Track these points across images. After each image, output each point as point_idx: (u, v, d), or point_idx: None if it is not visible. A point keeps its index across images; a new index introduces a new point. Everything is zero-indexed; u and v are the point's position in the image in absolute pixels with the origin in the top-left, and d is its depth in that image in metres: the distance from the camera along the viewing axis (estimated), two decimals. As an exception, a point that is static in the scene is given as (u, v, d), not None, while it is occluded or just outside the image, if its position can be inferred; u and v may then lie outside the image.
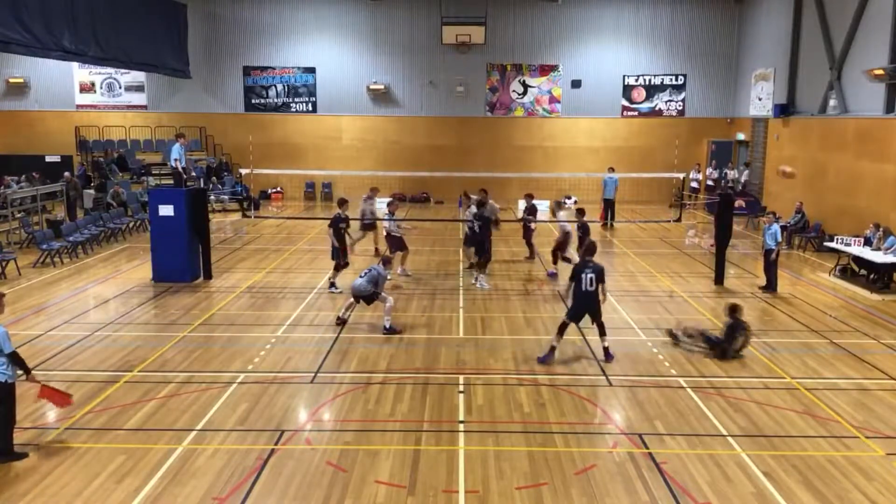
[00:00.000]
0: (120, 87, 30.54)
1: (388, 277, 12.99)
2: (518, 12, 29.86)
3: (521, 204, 17.30)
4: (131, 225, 22.14)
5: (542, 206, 23.08)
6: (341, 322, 12.62)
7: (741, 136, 29.09)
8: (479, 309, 13.99)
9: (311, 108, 30.72)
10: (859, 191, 19.64)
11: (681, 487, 7.28)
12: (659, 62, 30.14)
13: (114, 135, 30.25)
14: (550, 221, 16.50)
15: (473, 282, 15.78)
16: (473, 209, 16.77)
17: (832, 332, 12.65)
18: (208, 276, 16.13)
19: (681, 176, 24.35)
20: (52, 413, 8.99)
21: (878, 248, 15.84)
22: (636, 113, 30.49)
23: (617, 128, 30.61)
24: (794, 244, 20.64)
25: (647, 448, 8.12)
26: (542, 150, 30.50)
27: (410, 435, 8.41)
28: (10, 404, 7.74)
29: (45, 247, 17.52)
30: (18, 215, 20.53)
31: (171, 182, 19.35)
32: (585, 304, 10.77)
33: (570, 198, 29.68)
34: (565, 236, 16.61)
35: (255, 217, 23.43)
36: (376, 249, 17.96)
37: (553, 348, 10.89)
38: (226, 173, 29.14)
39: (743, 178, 27.64)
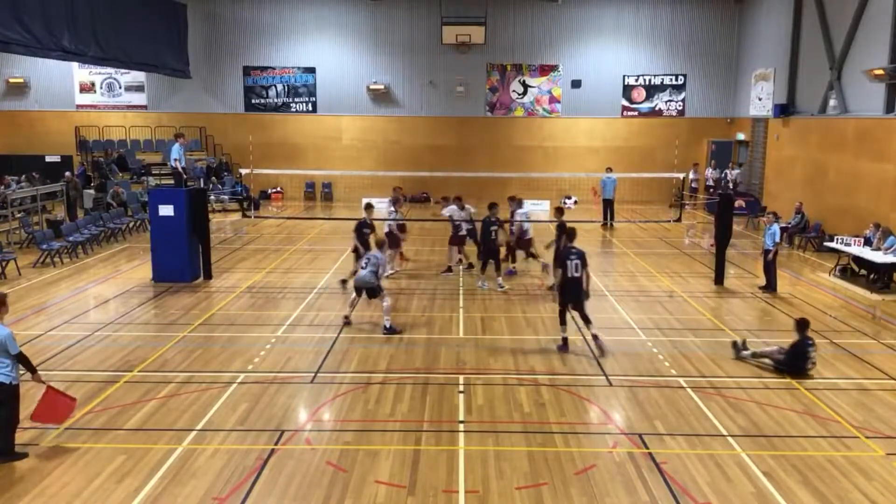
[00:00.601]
0: (120, 87, 30.55)
1: (389, 273, 13.12)
2: (518, 12, 29.86)
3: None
4: (131, 225, 22.14)
5: (538, 208, 23.07)
6: (347, 322, 12.62)
7: (741, 136, 29.09)
8: (479, 309, 13.99)
9: (311, 108, 30.72)
10: (859, 191, 19.64)
11: (681, 487, 7.28)
12: (659, 62, 30.14)
13: (114, 135, 30.25)
14: (508, 222, 16.48)
15: (480, 284, 15.52)
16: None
17: (832, 332, 12.65)
18: (208, 276, 16.13)
19: (681, 176, 24.37)
20: (52, 413, 9.00)
21: (878, 248, 15.84)
22: (636, 113, 30.49)
23: (617, 128, 30.61)
24: (795, 244, 20.64)
25: (647, 448, 8.12)
26: (542, 150, 30.50)
27: (410, 435, 8.41)
28: (12, 405, 7.74)
29: (45, 247, 17.53)
30: (18, 215, 20.53)
31: (171, 182, 19.36)
32: (572, 289, 11.08)
33: (569, 198, 29.76)
34: (522, 234, 16.47)
35: (255, 217, 23.43)
36: (401, 254, 17.85)
37: (565, 339, 11.30)
38: (226, 173, 29.14)
39: (736, 178, 27.63)
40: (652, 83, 30.27)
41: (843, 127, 20.87)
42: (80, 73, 30.15)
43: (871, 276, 15.76)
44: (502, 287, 15.29)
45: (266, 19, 30.22)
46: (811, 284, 16.28)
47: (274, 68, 30.51)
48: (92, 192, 24.59)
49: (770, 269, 15.36)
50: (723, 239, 15.88)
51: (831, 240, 17.81)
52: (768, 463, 7.80)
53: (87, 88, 30.51)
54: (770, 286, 15.38)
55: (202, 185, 21.45)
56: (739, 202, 24.23)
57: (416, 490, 7.20)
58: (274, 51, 30.41)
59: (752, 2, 28.52)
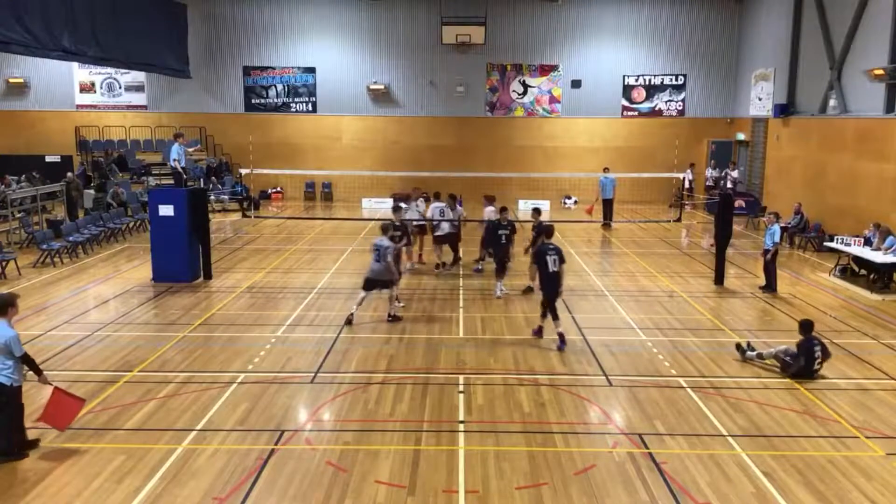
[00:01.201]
0: (120, 87, 30.55)
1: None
2: (518, 12, 29.86)
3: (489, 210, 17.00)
4: (131, 225, 22.14)
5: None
6: (349, 321, 12.62)
7: (741, 136, 29.09)
8: (479, 309, 13.99)
9: (311, 108, 30.73)
10: (859, 191, 19.64)
11: (681, 487, 7.28)
12: (659, 62, 30.14)
13: (114, 135, 30.25)
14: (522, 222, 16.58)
15: (498, 294, 14.94)
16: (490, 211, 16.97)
17: (832, 332, 12.65)
18: (208, 276, 16.13)
19: (681, 176, 24.37)
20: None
21: (878, 248, 15.84)
22: (636, 113, 30.49)
23: (617, 128, 30.61)
24: (795, 244, 20.64)
25: (647, 448, 8.12)
26: (542, 150, 30.50)
27: (410, 435, 8.41)
28: (14, 407, 7.73)
29: (45, 247, 17.53)
30: (18, 215, 20.53)
31: (171, 182, 19.36)
32: (553, 283, 11.28)
33: (569, 197, 29.77)
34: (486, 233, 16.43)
35: (255, 217, 23.43)
36: (420, 256, 18.12)
37: (541, 327, 11.74)
38: (226, 173, 29.14)
39: (735, 175, 27.61)
40: (652, 83, 30.27)
41: (843, 127, 20.87)
42: (80, 73, 30.14)
43: (871, 276, 15.77)
44: (502, 292, 14.90)
45: (266, 19, 30.22)
46: (811, 284, 16.28)
47: (274, 68, 30.52)
48: (92, 192, 24.59)
49: (770, 270, 15.35)
50: (723, 239, 15.88)
51: (831, 240, 17.81)
52: (768, 463, 7.80)
53: (87, 88, 30.50)
54: (770, 286, 15.36)
55: (202, 185, 21.47)
56: (739, 202, 24.25)
57: (416, 490, 7.20)
58: (274, 51, 30.41)
59: (752, 2, 28.52)
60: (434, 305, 14.23)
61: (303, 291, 15.13)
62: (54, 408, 8.05)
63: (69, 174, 23.25)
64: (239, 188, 28.11)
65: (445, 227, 16.72)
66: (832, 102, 21.72)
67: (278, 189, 30.81)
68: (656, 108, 30.42)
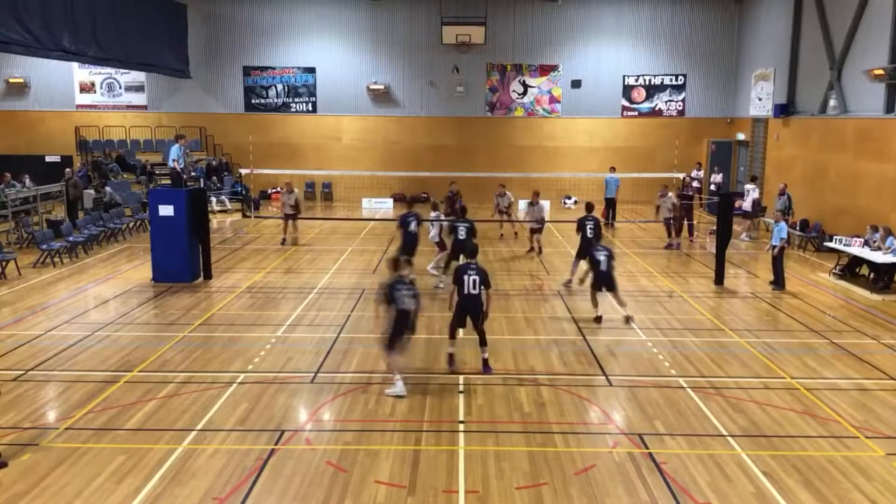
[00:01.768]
0: (120, 87, 30.55)
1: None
2: (518, 12, 29.86)
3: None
4: (131, 225, 22.14)
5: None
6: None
7: (741, 136, 29.09)
8: (479, 309, 13.96)
9: (311, 108, 30.73)
10: (859, 191, 19.64)
11: (681, 487, 7.28)
12: (659, 62, 30.14)
13: (114, 135, 30.25)
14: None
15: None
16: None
17: (832, 332, 12.65)
18: (208, 276, 16.13)
19: (681, 176, 24.34)
20: (52, 413, 9.00)
21: (878, 248, 15.84)
22: (636, 113, 30.49)
23: (617, 128, 30.61)
24: (794, 244, 20.62)
25: (647, 448, 8.12)
26: (542, 150, 30.51)
27: (410, 435, 8.41)
28: None
29: (45, 247, 17.53)
30: (16, 216, 20.48)
31: (169, 183, 19.36)
32: (467, 307, 10.35)
33: (569, 197, 29.77)
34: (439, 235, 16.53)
35: (254, 217, 23.43)
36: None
37: (451, 355, 10.54)
38: (225, 173, 29.15)
39: (718, 180, 27.54)
40: (652, 83, 30.27)
41: (843, 127, 20.87)
42: (80, 73, 30.15)
43: (871, 275, 15.77)
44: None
45: (266, 19, 30.22)
46: (811, 284, 16.29)
47: (274, 68, 30.52)
48: (92, 192, 24.59)
49: (776, 266, 15.42)
50: (723, 239, 15.89)
51: (831, 240, 17.81)
52: (768, 463, 7.80)
53: (87, 88, 30.51)
54: (778, 282, 15.46)
55: (201, 185, 21.48)
56: (739, 202, 24.18)
57: (416, 490, 7.20)
58: (274, 51, 30.41)
59: (752, 2, 28.52)
60: (434, 305, 14.22)
61: (303, 291, 15.13)
62: None
63: (68, 170, 23.23)
64: (239, 188, 28.11)
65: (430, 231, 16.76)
66: (832, 102, 21.71)
67: (278, 189, 30.77)
68: (656, 108, 30.42)
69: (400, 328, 9.57)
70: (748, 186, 23.44)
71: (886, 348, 11.80)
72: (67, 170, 23.30)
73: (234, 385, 9.86)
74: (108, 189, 23.99)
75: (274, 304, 14.18)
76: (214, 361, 10.83)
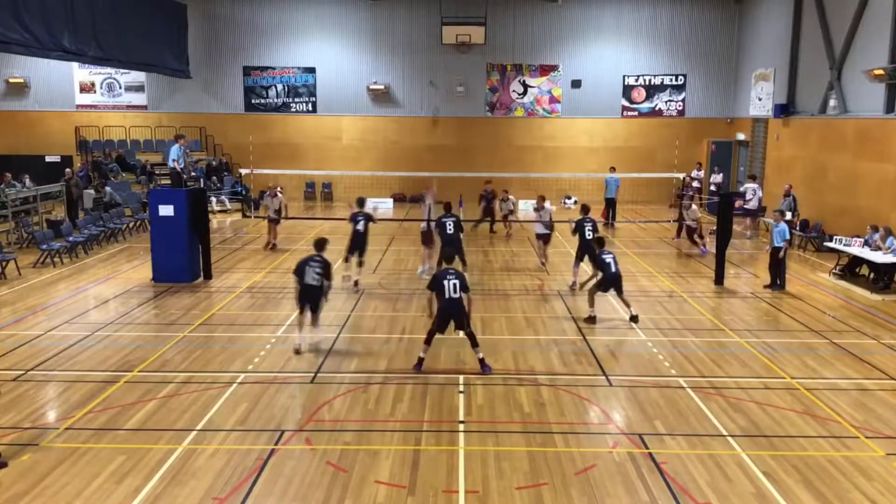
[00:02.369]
0: (120, 87, 30.55)
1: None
2: (518, 12, 29.86)
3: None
4: (131, 225, 22.14)
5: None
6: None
7: (741, 136, 29.08)
8: (479, 309, 13.94)
9: (311, 108, 30.72)
10: (859, 191, 19.64)
11: (681, 487, 7.28)
12: (659, 62, 30.14)
13: (114, 135, 30.24)
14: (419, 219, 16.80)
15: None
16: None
17: (832, 332, 12.65)
18: (208, 276, 16.13)
19: (681, 176, 24.34)
20: (52, 413, 9.00)
21: (878, 248, 15.84)
22: (636, 113, 30.49)
23: (617, 128, 30.61)
24: (794, 244, 20.61)
25: (647, 448, 8.12)
26: (542, 150, 30.51)
27: (410, 435, 8.41)
28: None
29: (45, 247, 17.52)
30: (18, 215, 20.48)
31: (169, 183, 19.37)
32: (450, 312, 10.32)
33: (569, 197, 29.76)
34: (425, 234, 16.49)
35: (255, 217, 23.43)
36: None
37: (421, 359, 10.49)
38: (225, 173, 29.15)
39: (718, 180, 27.53)
40: (652, 83, 30.27)
41: (843, 127, 20.87)
42: (80, 73, 30.14)
43: (871, 275, 15.77)
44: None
45: (266, 19, 30.22)
46: (811, 284, 16.29)
47: (274, 68, 30.51)
48: (92, 192, 24.59)
49: (780, 267, 15.42)
50: (723, 239, 15.89)
51: (831, 240, 17.81)
52: (768, 463, 7.80)
53: (87, 88, 30.50)
54: (779, 284, 15.47)
55: (201, 185, 21.48)
56: (739, 202, 24.16)
57: (416, 490, 7.20)
58: (274, 51, 30.41)
59: (752, 2, 28.52)
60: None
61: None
62: None
63: (68, 170, 23.23)
64: (239, 188, 28.12)
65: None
66: (832, 102, 21.71)
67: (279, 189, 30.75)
68: (656, 109, 30.42)
69: (301, 298, 11.13)
70: (751, 186, 23.45)
71: (886, 348, 11.80)
72: (67, 170, 23.28)
73: (234, 385, 9.86)
74: (108, 189, 24.00)
75: (274, 304, 14.18)
76: (214, 361, 10.83)
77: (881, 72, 18.34)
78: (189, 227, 15.67)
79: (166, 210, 15.59)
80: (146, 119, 30.61)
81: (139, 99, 30.67)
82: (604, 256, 13.08)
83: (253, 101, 30.64)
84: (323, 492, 7.15)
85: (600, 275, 13.10)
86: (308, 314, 11.30)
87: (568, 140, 30.56)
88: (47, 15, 18.35)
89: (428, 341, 10.51)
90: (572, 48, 30.15)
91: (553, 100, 30.48)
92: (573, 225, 15.58)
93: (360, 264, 15.49)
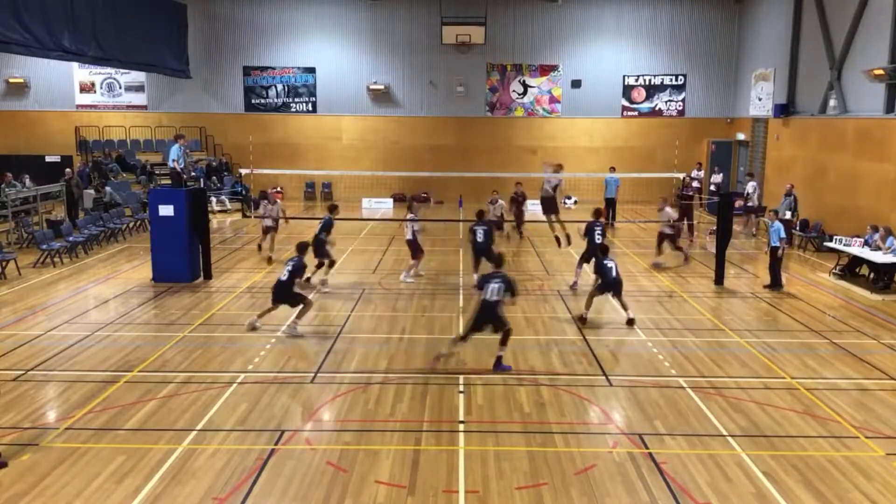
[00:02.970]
0: (120, 87, 30.55)
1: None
2: (518, 12, 29.86)
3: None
4: (131, 225, 22.14)
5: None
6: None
7: (741, 136, 29.08)
8: (479, 309, 13.96)
9: (311, 108, 30.72)
10: (859, 191, 19.64)
11: (681, 487, 7.28)
12: (659, 62, 30.14)
13: (114, 135, 30.25)
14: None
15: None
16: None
17: (832, 332, 12.65)
18: (208, 276, 16.12)
19: (681, 176, 24.34)
20: (52, 413, 9.00)
21: (878, 248, 15.84)
22: (636, 113, 30.49)
23: (617, 128, 30.62)
24: (794, 244, 20.61)
25: (647, 448, 8.12)
26: (542, 150, 30.45)
27: (410, 435, 8.41)
28: None
29: (45, 247, 17.52)
30: (18, 215, 20.47)
31: (169, 183, 19.37)
32: (484, 313, 10.43)
33: (569, 198, 29.73)
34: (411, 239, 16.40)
35: (255, 217, 23.39)
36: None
37: (444, 355, 10.63)
38: (225, 173, 29.15)
39: (718, 180, 27.54)
40: (652, 83, 30.27)
41: (843, 127, 20.87)
42: (80, 73, 30.14)
43: (871, 275, 15.77)
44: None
45: (266, 19, 30.22)
46: (811, 284, 16.29)
47: (274, 68, 30.51)
48: (92, 192, 24.59)
49: (776, 267, 15.41)
50: (723, 239, 15.89)
51: (831, 240, 17.81)
52: (768, 463, 7.80)
53: (87, 88, 30.50)
54: (776, 284, 15.44)
55: (201, 185, 21.47)
56: (739, 202, 24.17)
57: (416, 490, 7.20)
58: (274, 51, 30.41)
59: (752, 2, 28.52)
60: (434, 305, 14.23)
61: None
62: None
63: (68, 170, 23.23)
64: (239, 188, 28.11)
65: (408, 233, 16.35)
66: (832, 102, 21.71)
67: (278, 189, 30.75)
68: (656, 108, 30.42)
69: (273, 294, 12.32)
70: (751, 184, 23.51)
71: (886, 348, 11.80)
72: (67, 170, 23.28)
73: (234, 385, 9.86)
74: (108, 189, 24.00)
75: (274, 304, 14.16)
76: (214, 361, 10.83)
77: (881, 72, 18.34)
78: (189, 227, 15.67)
79: (166, 210, 15.59)
80: (146, 119, 30.61)
81: (139, 99, 30.67)
82: (605, 262, 13.01)
83: (253, 101, 30.64)
84: (323, 492, 7.15)
85: (600, 280, 13.08)
86: (278, 309, 12.25)
87: (568, 140, 30.56)
88: (47, 15, 18.35)
89: (464, 338, 10.61)
90: (572, 48, 30.15)
91: (553, 100, 30.49)
92: (583, 228, 15.61)
93: (329, 265, 15.51)
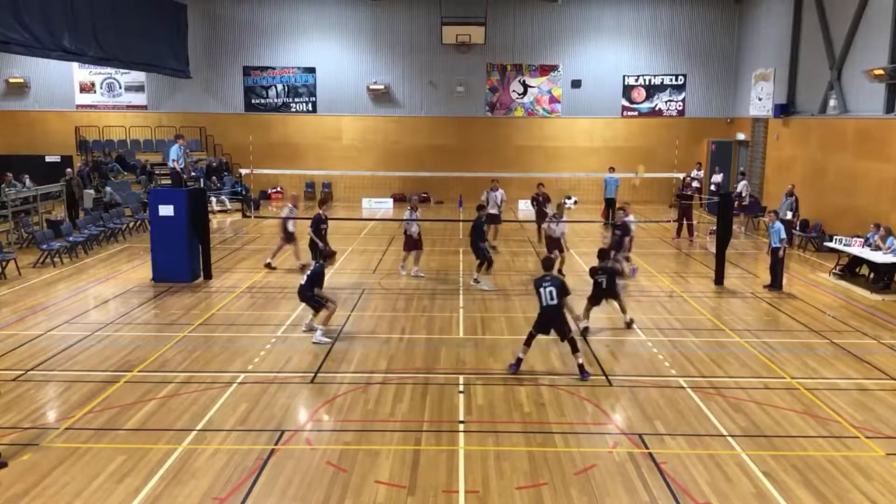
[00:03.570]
0: (120, 87, 30.55)
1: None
2: (518, 12, 29.87)
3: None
4: (131, 225, 22.14)
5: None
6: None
7: (741, 136, 29.09)
8: (479, 309, 13.99)
9: (311, 108, 30.73)
10: (859, 191, 19.64)
11: (681, 487, 7.28)
12: (659, 62, 30.15)
13: (114, 135, 30.25)
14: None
15: (474, 283, 15.79)
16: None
17: (832, 332, 12.65)
18: (208, 276, 16.12)
19: (681, 176, 24.34)
20: (52, 413, 9.00)
21: (878, 248, 15.83)
22: (636, 113, 30.49)
23: (617, 128, 30.62)
24: (794, 244, 20.61)
25: (647, 448, 8.12)
26: (542, 150, 30.51)
27: (410, 435, 8.41)
28: None
29: (45, 247, 17.52)
30: (18, 215, 20.47)
31: (169, 182, 19.37)
32: (548, 319, 10.40)
33: (570, 198, 29.75)
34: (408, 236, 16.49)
35: (255, 217, 23.43)
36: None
37: (519, 360, 10.55)
38: (225, 173, 29.15)
39: (718, 180, 27.55)
40: (652, 83, 30.28)
41: (843, 127, 20.87)
42: (80, 73, 30.15)
43: (871, 275, 15.76)
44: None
45: (266, 19, 30.23)
46: (811, 284, 16.29)
47: (274, 68, 30.52)
48: (92, 192, 24.60)
49: (777, 268, 15.40)
50: (723, 239, 15.89)
51: (831, 240, 17.80)
52: (768, 463, 7.80)
53: (87, 88, 30.51)
54: (776, 284, 15.43)
55: (201, 185, 21.46)
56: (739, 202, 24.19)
57: (416, 490, 7.20)
58: (274, 51, 30.42)
59: (752, 2, 28.52)
60: (434, 305, 14.23)
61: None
62: None
63: (68, 170, 23.22)
64: (239, 188, 28.12)
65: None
66: (832, 102, 21.72)
67: (278, 189, 30.80)
68: (656, 108, 30.43)
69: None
70: (743, 183, 23.61)
71: (886, 348, 11.80)
72: (68, 170, 23.29)
73: (234, 385, 9.86)
74: (108, 189, 24.00)
75: (274, 304, 14.18)
76: (214, 361, 10.83)
77: (881, 72, 18.34)
78: (189, 227, 15.67)
79: (166, 210, 15.59)
80: (146, 119, 30.62)
81: (139, 99, 30.67)
82: (598, 274, 12.47)
83: (253, 101, 30.64)
84: (323, 492, 7.15)
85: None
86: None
87: (568, 140, 30.57)
88: (47, 15, 18.35)
89: (527, 342, 10.56)
90: (572, 48, 30.16)
91: (553, 100, 30.49)
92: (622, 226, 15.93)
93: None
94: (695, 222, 22.78)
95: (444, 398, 9.51)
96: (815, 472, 7.63)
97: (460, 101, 30.40)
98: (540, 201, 21.43)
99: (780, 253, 15.29)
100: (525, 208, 27.71)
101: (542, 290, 10.39)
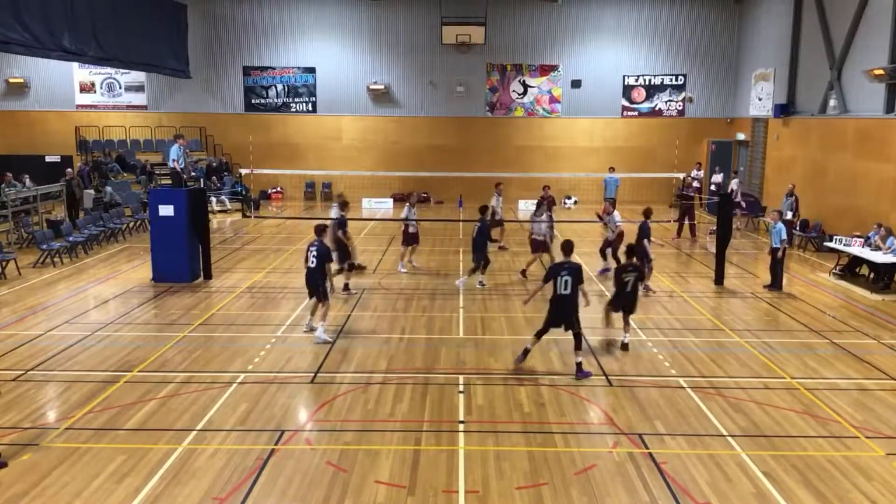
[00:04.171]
0: (120, 87, 30.55)
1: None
2: (518, 12, 29.87)
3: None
4: (131, 225, 22.14)
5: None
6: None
7: (741, 136, 29.09)
8: (479, 309, 13.99)
9: (311, 108, 30.73)
10: (859, 191, 19.64)
11: (681, 487, 7.28)
12: (659, 62, 30.15)
13: (114, 135, 30.25)
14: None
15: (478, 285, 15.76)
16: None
17: (832, 332, 12.65)
18: (208, 276, 16.13)
19: (681, 176, 24.35)
20: (52, 413, 9.00)
21: (878, 248, 15.83)
22: (636, 113, 30.49)
23: (617, 128, 30.62)
24: (794, 244, 20.61)
25: (647, 448, 8.12)
26: (542, 150, 30.51)
27: (410, 435, 8.41)
28: None
29: (45, 247, 17.52)
30: (18, 215, 20.47)
31: (169, 182, 19.37)
32: (559, 309, 10.17)
33: (570, 198, 29.77)
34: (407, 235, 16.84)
35: (255, 217, 23.43)
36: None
37: (527, 350, 10.50)
38: (225, 173, 29.15)
39: (718, 180, 27.55)
40: (652, 83, 30.28)
41: (843, 127, 20.87)
42: (80, 73, 30.15)
43: (871, 275, 15.76)
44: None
45: (266, 19, 30.23)
46: (811, 284, 16.29)
47: (274, 68, 30.52)
48: (92, 192, 24.59)
49: (777, 268, 15.40)
50: (723, 239, 15.88)
51: (831, 240, 17.80)
52: (768, 463, 7.80)
53: (87, 88, 30.51)
54: (776, 284, 15.42)
55: (201, 185, 21.45)
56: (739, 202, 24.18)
57: (416, 490, 7.20)
58: (274, 51, 30.42)
59: (752, 2, 28.52)
60: (434, 305, 14.23)
61: (303, 291, 14.96)
62: None
63: (69, 170, 23.22)
64: (239, 188, 28.12)
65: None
66: (832, 102, 21.72)
67: (278, 189, 30.81)
68: (656, 108, 30.42)
69: (305, 282, 11.95)
70: (734, 181, 23.68)
71: (886, 348, 11.80)
72: (68, 170, 23.28)
73: (234, 385, 9.86)
74: (108, 189, 24.01)
75: (274, 304, 14.18)
76: (214, 361, 10.83)
77: (881, 72, 18.34)
78: (189, 227, 15.67)
79: (166, 210, 15.59)
80: (146, 119, 30.62)
81: (139, 99, 30.67)
82: (625, 275, 11.82)
83: (253, 101, 30.64)
84: (323, 492, 7.15)
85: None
86: (314, 300, 11.85)
87: (568, 140, 30.57)
88: (47, 15, 18.35)
89: (538, 335, 10.46)
90: (572, 48, 30.16)
91: (553, 100, 30.49)
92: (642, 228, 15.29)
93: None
94: (695, 222, 22.78)
95: (444, 398, 9.51)
96: (815, 472, 7.63)
97: (460, 101, 30.40)
98: (549, 205, 21.15)
99: (780, 254, 15.28)
100: (525, 208, 27.73)
101: (559, 278, 10.08)
